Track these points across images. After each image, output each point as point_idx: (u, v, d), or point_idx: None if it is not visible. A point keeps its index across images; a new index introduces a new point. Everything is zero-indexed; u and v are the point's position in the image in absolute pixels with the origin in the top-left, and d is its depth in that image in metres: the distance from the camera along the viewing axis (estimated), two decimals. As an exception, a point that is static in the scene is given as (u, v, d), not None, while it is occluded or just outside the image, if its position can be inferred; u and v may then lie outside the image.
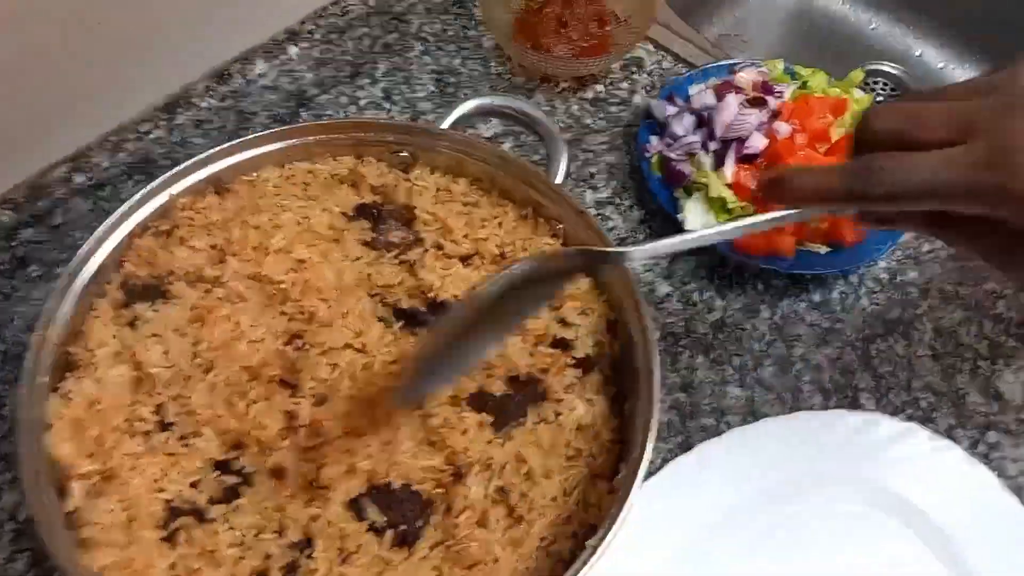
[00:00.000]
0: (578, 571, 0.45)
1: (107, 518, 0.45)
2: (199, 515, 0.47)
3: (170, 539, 0.46)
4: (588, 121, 0.80)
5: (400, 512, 0.49)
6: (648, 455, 0.48)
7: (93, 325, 0.51)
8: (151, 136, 0.65)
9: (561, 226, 0.59)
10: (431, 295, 0.54)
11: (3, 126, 0.57)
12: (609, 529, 0.46)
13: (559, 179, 0.59)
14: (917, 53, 1.16)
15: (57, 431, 0.47)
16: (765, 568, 0.58)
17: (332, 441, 0.48)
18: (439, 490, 0.50)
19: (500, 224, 0.58)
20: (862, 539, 0.59)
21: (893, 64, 1.15)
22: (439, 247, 0.57)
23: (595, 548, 0.46)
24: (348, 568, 0.46)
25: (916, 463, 0.61)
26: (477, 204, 0.59)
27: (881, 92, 1.12)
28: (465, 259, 0.57)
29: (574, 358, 0.54)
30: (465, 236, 0.57)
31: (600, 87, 0.82)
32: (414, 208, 0.58)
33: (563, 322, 0.55)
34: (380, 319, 0.53)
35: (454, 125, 0.60)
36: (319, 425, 0.49)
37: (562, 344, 0.54)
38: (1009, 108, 0.38)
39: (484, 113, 0.62)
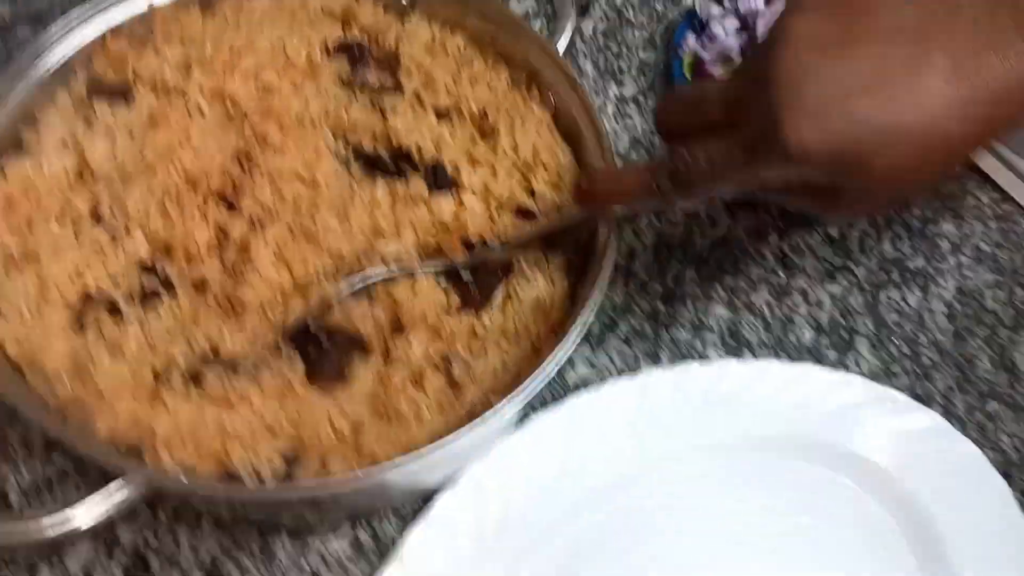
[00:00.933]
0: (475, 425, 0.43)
1: (17, 294, 0.45)
2: (113, 309, 0.46)
3: (78, 327, 0.46)
4: (630, 15, 0.75)
5: (328, 348, 0.47)
6: (576, 332, 0.45)
7: (49, 113, 0.51)
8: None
9: (552, 98, 0.55)
10: (395, 141, 0.51)
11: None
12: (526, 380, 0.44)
13: (562, 45, 0.55)
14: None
15: (-11, 204, 0.47)
16: (699, 521, 0.53)
17: (260, 267, 0.47)
18: (377, 335, 0.48)
19: (489, 86, 0.55)
20: (812, 500, 0.54)
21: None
22: (418, 97, 0.54)
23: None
24: (252, 386, 0.45)
25: (884, 428, 0.56)
26: (470, 62, 0.56)
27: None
28: (442, 114, 0.54)
29: (534, 230, 0.51)
30: (447, 91, 0.54)
31: (650, -20, 0.77)
32: (400, 54, 0.55)
33: (531, 192, 0.52)
34: (337, 157, 0.51)
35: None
36: (249, 246, 0.47)
37: (525, 214, 0.51)
38: (765, 83, 0.39)
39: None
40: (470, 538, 0.50)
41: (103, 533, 0.51)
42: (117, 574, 0.50)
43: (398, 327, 0.48)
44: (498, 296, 0.50)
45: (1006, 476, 0.54)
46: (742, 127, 0.40)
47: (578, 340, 0.46)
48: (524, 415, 0.54)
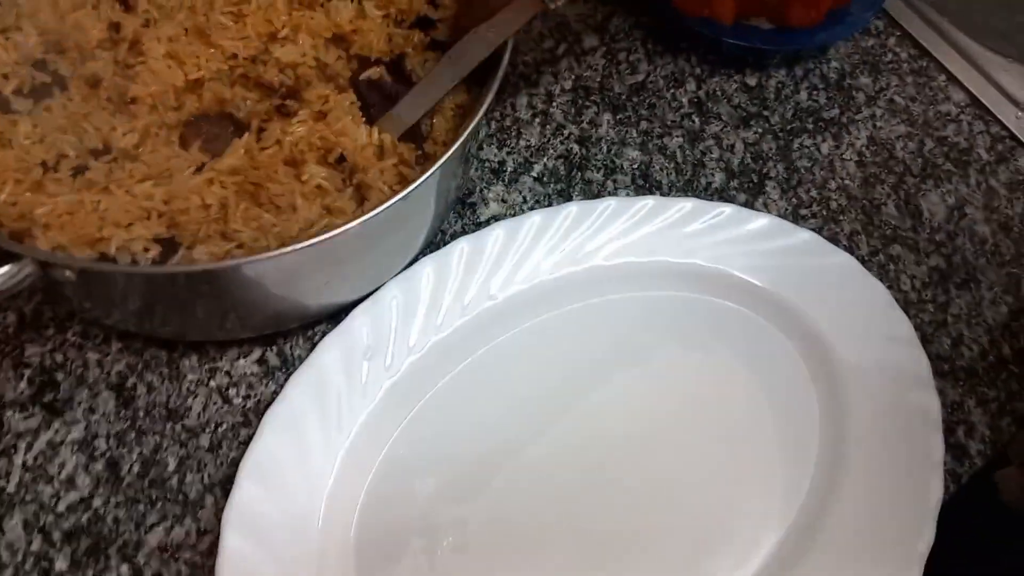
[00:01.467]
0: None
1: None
2: (3, 104, 0.45)
3: (-36, 118, 0.45)
4: None
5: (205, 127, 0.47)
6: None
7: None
8: None
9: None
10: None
11: None
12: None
13: None
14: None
15: None
16: (601, 343, 0.54)
17: (151, 62, 0.46)
18: (260, 120, 0.48)
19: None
20: (691, 321, 0.55)
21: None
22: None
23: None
24: (128, 174, 0.44)
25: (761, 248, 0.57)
26: None
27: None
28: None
29: (434, 40, 0.50)
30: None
31: None
32: None
33: (432, 2, 0.51)
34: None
35: None
36: (142, 43, 0.46)
37: (425, 23, 0.51)
38: None
39: None
40: (376, 351, 0.50)
41: (11, 352, 0.52)
42: (25, 390, 0.51)
43: (285, 110, 0.48)
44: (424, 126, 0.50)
45: (905, 312, 0.55)
46: None
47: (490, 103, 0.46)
48: (439, 242, 0.55)
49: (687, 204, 0.57)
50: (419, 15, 0.51)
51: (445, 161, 0.44)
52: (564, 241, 0.55)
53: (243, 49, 0.47)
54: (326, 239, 0.42)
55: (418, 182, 0.43)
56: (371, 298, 0.51)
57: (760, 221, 0.57)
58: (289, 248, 0.41)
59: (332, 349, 0.49)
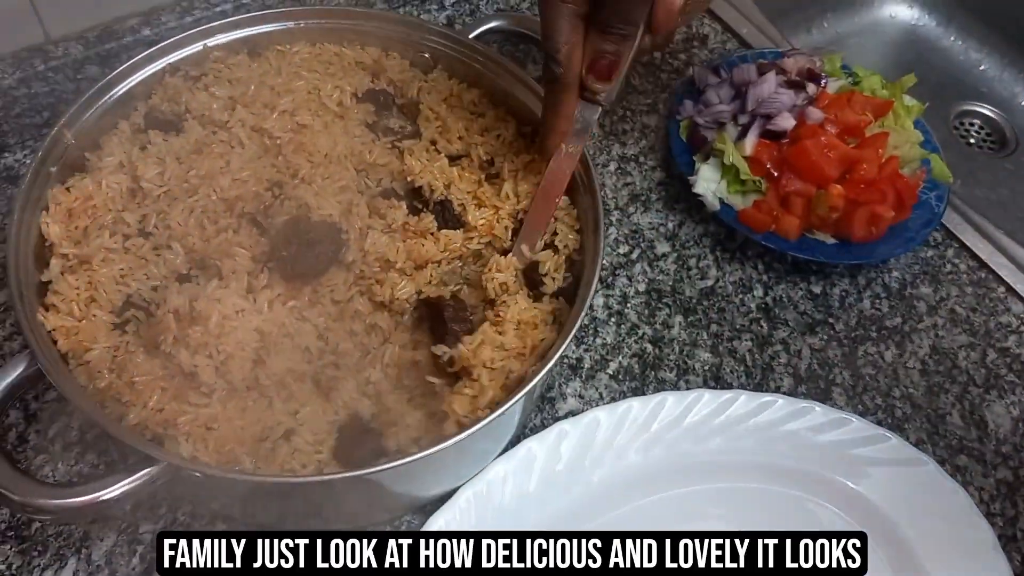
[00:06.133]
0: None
1: (71, 293, 0.50)
2: (151, 314, 0.51)
3: (121, 326, 0.51)
4: (635, 82, 0.82)
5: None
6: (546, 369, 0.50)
7: (111, 139, 0.57)
8: (218, 8, 0.71)
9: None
10: (409, 179, 0.57)
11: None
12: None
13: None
14: (1023, 103, 1.11)
15: (52, 214, 0.53)
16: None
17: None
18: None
19: (499, 136, 0.61)
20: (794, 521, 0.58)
21: (994, 108, 1.10)
22: (433, 142, 0.60)
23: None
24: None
25: (857, 456, 0.60)
26: (483, 114, 0.62)
27: (975, 135, 1.08)
28: (454, 158, 0.60)
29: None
30: (460, 138, 0.60)
31: (657, 54, 0.84)
32: (420, 104, 0.61)
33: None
34: (359, 192, 0.57)
35: (480, 37, 0.63)
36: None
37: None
38: None
39: (507, 32, 0.65)
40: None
41: (126, 529, 0.56)
42: (137, 566, 0.54)
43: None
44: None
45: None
46: None
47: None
48: (515, 440, 0.59)
49: (740, 395, 0.60)
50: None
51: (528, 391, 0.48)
52: (630, 437, 0.59)
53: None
54: (427, 455, 0.46)
55: (504, 407, 0.47)
56: (453, 503, 0.55)
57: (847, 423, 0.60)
58: (403, 460, 0.45)
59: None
